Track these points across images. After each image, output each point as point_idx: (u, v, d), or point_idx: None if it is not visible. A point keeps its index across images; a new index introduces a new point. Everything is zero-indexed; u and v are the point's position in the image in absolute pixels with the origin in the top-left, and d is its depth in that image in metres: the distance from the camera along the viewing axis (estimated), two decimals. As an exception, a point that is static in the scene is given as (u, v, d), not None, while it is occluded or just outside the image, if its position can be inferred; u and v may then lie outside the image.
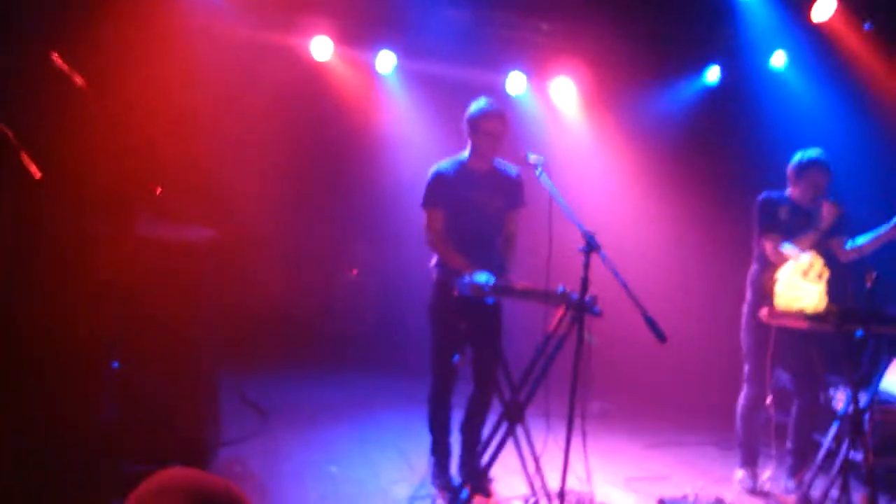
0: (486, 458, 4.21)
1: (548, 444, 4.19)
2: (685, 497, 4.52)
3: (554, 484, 3.78)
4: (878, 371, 4.70)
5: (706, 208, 7.91)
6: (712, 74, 8.44)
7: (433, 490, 4.55)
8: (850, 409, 4.50)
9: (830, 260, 4.79)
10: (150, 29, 6.31)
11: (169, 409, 4.27)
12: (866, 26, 7.12)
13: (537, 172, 4.15)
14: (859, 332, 4.37)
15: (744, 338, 5.11)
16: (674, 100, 8.66)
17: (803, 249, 4.65)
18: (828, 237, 4.95)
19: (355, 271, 8.98)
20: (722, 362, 6.29)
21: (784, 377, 5.30)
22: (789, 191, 5.09)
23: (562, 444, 3.72)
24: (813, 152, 4.99)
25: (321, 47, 7.94)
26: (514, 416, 4.08)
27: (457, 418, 4.67)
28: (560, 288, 4.00)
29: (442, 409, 4.68)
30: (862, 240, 4.89)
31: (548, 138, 8.48)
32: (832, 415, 4.62)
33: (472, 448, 4.47)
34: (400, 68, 8.36)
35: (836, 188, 5.01)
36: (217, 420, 4.74)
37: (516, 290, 4.07)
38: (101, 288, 4.20)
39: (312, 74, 8.15)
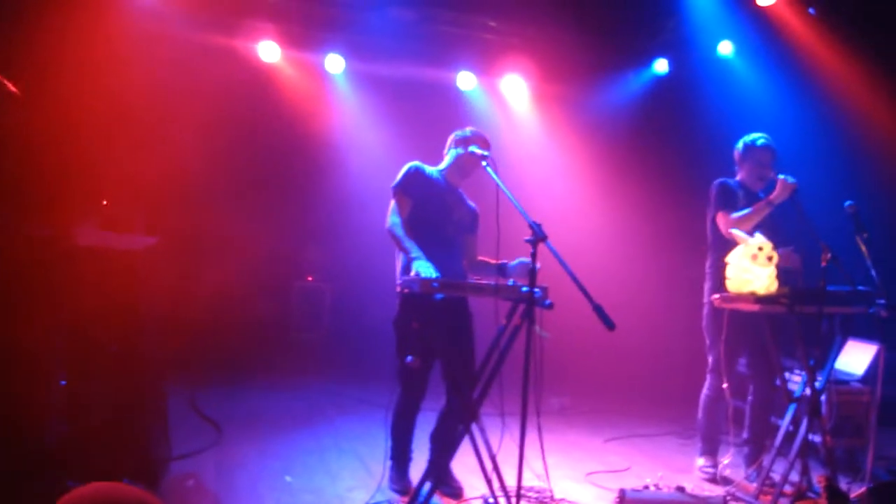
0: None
1: (504, 442, 4.13)
2: (646, 487, 4.47)
3: (512, 482, 3.70)
4: (833, 351, 4.70)
5: (660, 198, 7.93)
6: (661, 66, 8.47)
7: (392, 495, 4.46)
8: (807, 391, 4.50)
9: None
10: (91, 34, 6.18)
11: (115, 424, 4.14)
12: (810, 11, 7.19)
13: (483, 164, 4.10)
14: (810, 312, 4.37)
15: (706, 327, 5.09)
16: (623, 92, 8.70)
17: (755, 220, 4.66)
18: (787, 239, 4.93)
19: (310, 278, 8.86)
20: (679, 353, 6.30)
21: (740, 363, 5.29)
22: (739, 176, 5.14)
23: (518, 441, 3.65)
24: (756, 134, 5.06)
25: (268, 51, 7.84)
26: (468, 415, 4.00)
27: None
28: (510, 281, 3.95)
29: (407, 419, 4.61)
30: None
31: (499, 135, 8.44)
32: (789, 398, 4.59)
33: (445, 454, 4.36)
34: (349, 69, 8.28)
35: (783, 170, 5.00)
36: (166, 434, 4.62)
37: (465, 286, 4.00)
38: (43, 300, 4.06)
39: (261, 77, 8.05)
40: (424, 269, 4.04)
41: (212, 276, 6.37)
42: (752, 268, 4.42)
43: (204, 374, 6.24)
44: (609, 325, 3.21)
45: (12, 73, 4.01)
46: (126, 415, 4.18)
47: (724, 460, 5.06)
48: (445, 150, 4.71)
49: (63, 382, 4.09)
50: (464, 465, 4.59)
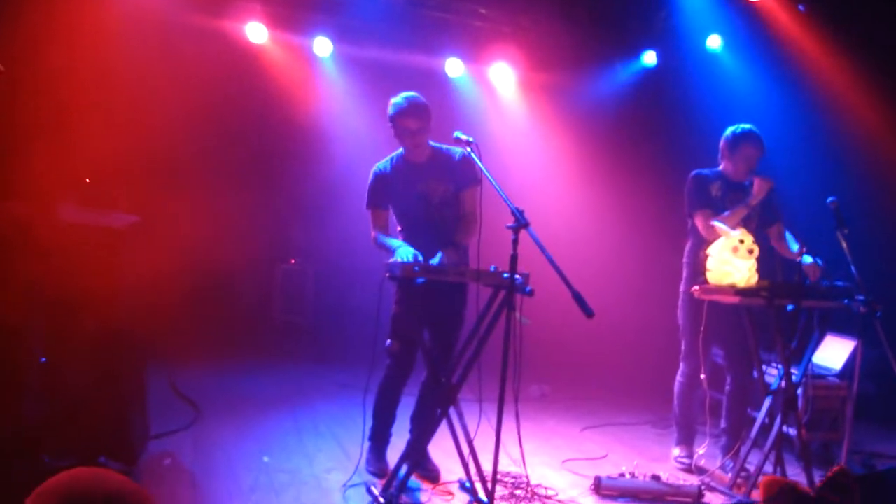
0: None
1: (482, 427, 4.14)
2: (622, 475, 4.50)
3: (489, 467, 3.72)
4: (810, 346, 4.74)
5: (644, 188, 7.97)
6: (649, 58, 8.48)
7: (368, 477, 4.47)
8: (783, 384, 4.53)
9: (763, 239, 4.82)
10: (78, 13, 6.13)
11: (93, 402, 4.12)
12: (800, 7, 7.22)
13: (467, 150, 4.09)
14: (790, 307, 4.41)
15: (680, 315, 5.12)
16: (611, 83, 8.71)
17: (734, 224, 4.65)
18: (765, 222, 4.97)
19: (293, 260, 8.84)
20: (658, 342, 6.32)
21: (718, 354, 5.33)
22: (722, 166, 5.07)
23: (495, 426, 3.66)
24: (745, 126, 4.96)
25: (256, 32, 7.80)
26: (447, 399, 4.02)
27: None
28: (492, 267, 3.96)
29: (388, 399, 4.62)
30: (793, 246, 4.90)
31: (486, 122, 8.45)
32: (766, 390, 4.63)
33: (423, 437, 4.37)
34: (337, 53, 8.25)
35: (769, 165, 5.02)
36: (145, 413, 4.61)
37: (447, 270, 4.00)
38: (24, 276, 4.04)
39: (248, 58, 8.00)
40: (404, 254, 4.05)
41: (194, 257, 6.34)
42: (732, 260, 4.44)
43: (184, 355, 6.20)
44: (588, 312, 3.22)
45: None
46: (104, 393, 4.16)
47: (700, 450, 5.10)
48: None
49: (42, 360, 4.08)
50: (441, 450, 4.62)
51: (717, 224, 4.61)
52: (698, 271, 4.82)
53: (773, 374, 4.99)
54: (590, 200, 8.25)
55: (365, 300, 4.63)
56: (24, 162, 4.51)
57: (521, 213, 3.60)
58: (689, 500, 4.39)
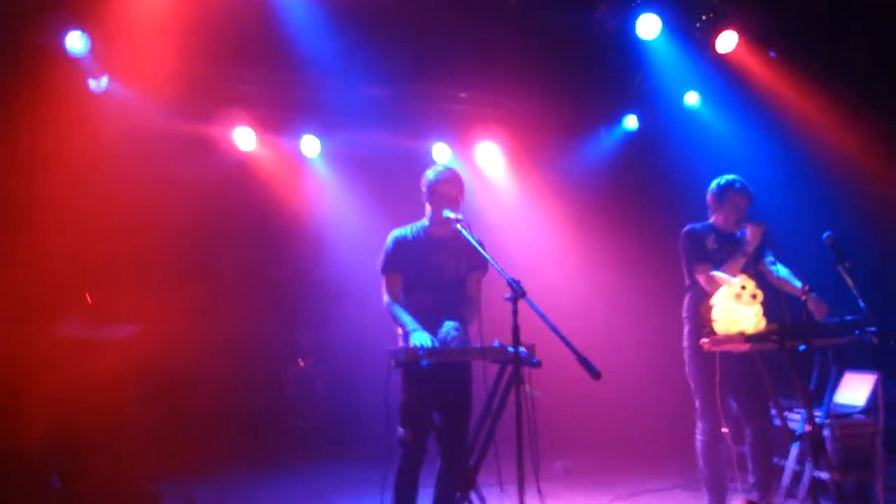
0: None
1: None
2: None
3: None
4: (829, 385, 4.65)
5: (638, 249, 7.97)
6: (630, 122, 8.59)
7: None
8: (808, 427, 4.42)
9: (762, 280, 4.78)
10: (66, 130, 6.21)
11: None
12: (771, 54, 7.34)
13: (458, 227, 4.10)
14: (802, 347, 4.33)
15: (690, 372, 5.01)
16: (596, 150, 8.83)
17: (734, 274, 4.62)
18: (757, 260, 4.95)
19: (302, 362, 8.78)
20: (674, 397, 6.20)
21: (733, 406, 5.20)
22: (713, 219, 5.08)
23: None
24: (729, 176, 4.99)
25: (244, 138, 7.93)
26: (467, 483, 3.92)
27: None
28: (496, 342, 3.91)
29: (407, 488, 4.50)
30: (783, 273, 4.88)
31: (477, 202, 8.50)
32: (791, 436, 4.51)
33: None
34: (325, 151, 8.37)
35: (757, 210, 5.02)
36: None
37: (451, 350, 3.96)
38: (32, 401, 4.02)
39: (238, 164, 8.11)
40: (419, 339, 3.98)
41: (201, 364, 6.31)
42: (737, 308, 4.39)
43: (201, 464, 6.10)
44: (594, 373, 3.18)
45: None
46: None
47: (734, 508, 4.94)
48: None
49: (57, 484, 4.02)
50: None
51: (717, 274, 4.58)
52: (701, 324, 4.75)
53: (795, 418, 4.87)
54: (587, 267, 8.25)
55: (374, 392, 4.54)
56: (22, 280, 4.53)
57: (518, 283, 3.59)
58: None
